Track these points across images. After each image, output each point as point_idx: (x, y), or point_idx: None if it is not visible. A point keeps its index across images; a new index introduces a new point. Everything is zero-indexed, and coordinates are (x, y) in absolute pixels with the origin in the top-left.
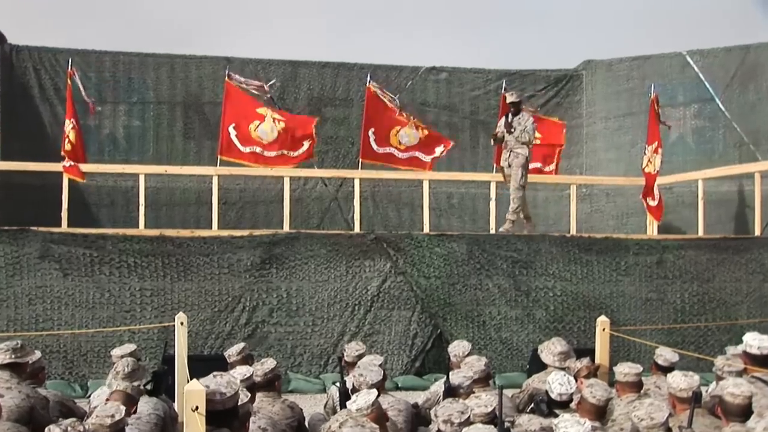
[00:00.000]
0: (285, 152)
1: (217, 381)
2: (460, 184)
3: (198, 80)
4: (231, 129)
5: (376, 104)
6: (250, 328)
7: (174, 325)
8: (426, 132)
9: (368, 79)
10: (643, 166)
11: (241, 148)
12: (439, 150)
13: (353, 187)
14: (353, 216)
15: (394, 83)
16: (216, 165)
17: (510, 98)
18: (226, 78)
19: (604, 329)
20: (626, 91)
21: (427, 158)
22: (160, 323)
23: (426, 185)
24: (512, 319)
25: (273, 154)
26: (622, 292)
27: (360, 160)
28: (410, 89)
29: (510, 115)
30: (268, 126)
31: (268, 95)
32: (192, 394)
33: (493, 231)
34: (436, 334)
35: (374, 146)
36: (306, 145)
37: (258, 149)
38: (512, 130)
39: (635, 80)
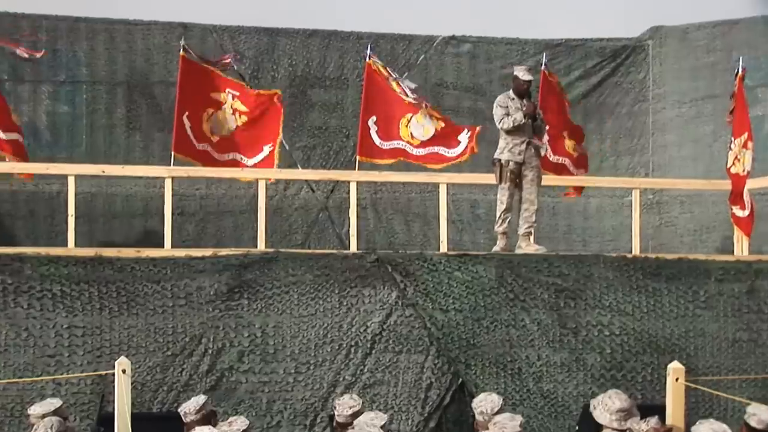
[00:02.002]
0: (239, 157)
1: None
2: (487, 189)
3: (145, 53)
4: (185, 119)
5: (378, 85)
6: (214, 378)
7: (113, 374)
8: (442, 124)
9: (368, 51)
10: (729, 166)
11: (196, 144)
12: (464, 138)
13: (348, 193)
14: (348, 231)
15: (401, 57)
16: (169, 164)
17: (526, 75)
18: (182, 50)
19: (677, 379)
20: (706, 66)
21: (451, 152)
22: (94, 371)
23: (443, 190)
24: (556, 366)
25: (225, 157)
26: (701, 331)
27: (357, 158)
28: (423, 65)
29: (525, 99)
30: (223, 116)
31: (230, 67)
32: None
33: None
34: (456, 386)
35: (376, 140)
36: (266, 150)
37: (209, 148)
38: (536, 116)
39: (718, 52)
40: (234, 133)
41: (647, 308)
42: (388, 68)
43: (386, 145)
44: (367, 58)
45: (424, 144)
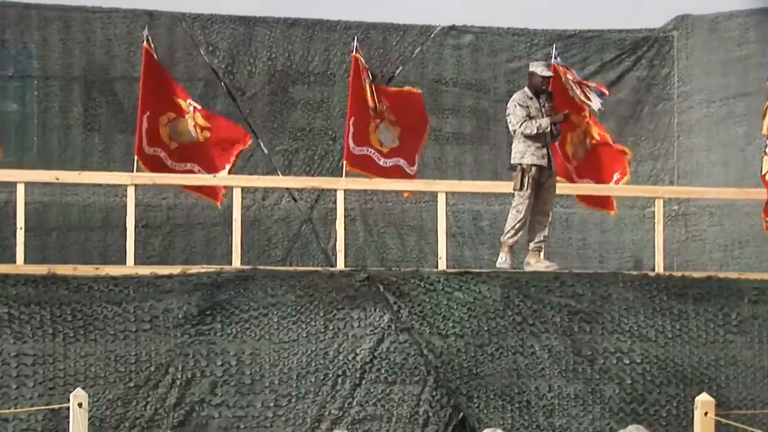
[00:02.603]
0: (197, 168)
1: None
2: (491, 198)
3: (105, 44)
4: (144, 119)
5: (361, 81)
6: (183, 412)
7: (68, 408)
8: (398, 130)
9: (354, 44)
10: (764, 173)
11: (146, 148)
12: (417, 158)
13: (335, 202)
14: (335, 245)
15: (395, 50)
16: (132, 170)
17: (546, 71)
18: (144, 42)
19: (706, 413)
20: (739, 60)
21: (411, 170)
22: (47, 405)
23: (442, 200)
24: (570, 398)
25: (181, 166)
26: (733, 359)
27: (344, 163)
28: (419, 59)
29: (543, 98)
30: (185, 126)
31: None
32: None
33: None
34: (456, 420)
35: (351, 144)
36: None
37: (162, 154)
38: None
39: (752, 45)
40: (194, 144)
41: (672, 333)
42: (368, 69)
43: (357, 150)
44: (354, 51)
45: (392, 152)
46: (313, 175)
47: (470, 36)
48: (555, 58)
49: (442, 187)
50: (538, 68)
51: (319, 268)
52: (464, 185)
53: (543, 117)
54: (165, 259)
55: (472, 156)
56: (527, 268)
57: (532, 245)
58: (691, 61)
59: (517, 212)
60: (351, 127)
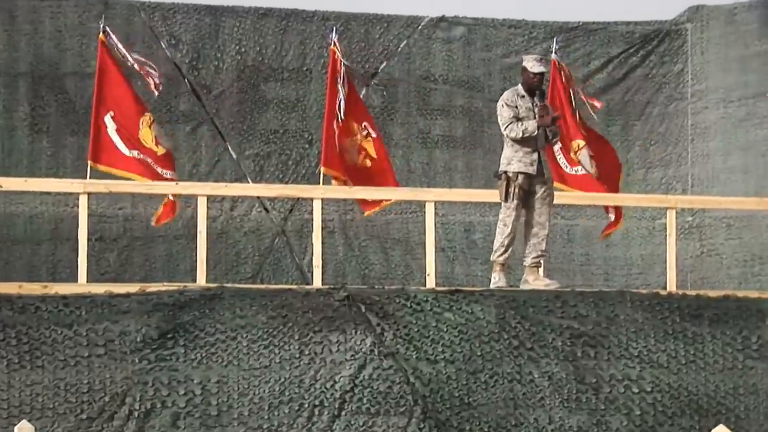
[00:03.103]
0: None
1: None
2: (485, 208)
3: (55, 37)
4: (108, 119)
5: (336, 79)
6: None
7: None
8: (370, 162)
9: (333, 36)
10: None
11: (126, 151)
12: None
13: (311, 213)
14: (311, 261)
15: (378, 44)
16: (85, 177)
17: (538, 66)
18: (101, 34)
19: None
20: (758, 55)
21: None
22: None
23: (430, 210)
24: (573, 431)
25: (167, 174)
26: (753, 387)
27: (322, 169)
28: (405, 54)
29: (537, 96)
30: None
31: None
32: None
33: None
34: None
35: (338, 146)
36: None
37: (149, 159)
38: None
39: None
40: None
41: (686, 359)
42: (343, 65)
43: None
44: (332, 43)
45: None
46: (287, 182)
47: (462, 28)
48: (555, 53)
49: (430, 195)
50: (529, 63)
51: (293, 286)
52: (455, 194)
53: (534, 118)
54: (121, 276)
55: (463, 161)
56: (525, 287)
57: (529, 261)
58: (707, 56)
59: (504, 226)
60: (337, 127)
